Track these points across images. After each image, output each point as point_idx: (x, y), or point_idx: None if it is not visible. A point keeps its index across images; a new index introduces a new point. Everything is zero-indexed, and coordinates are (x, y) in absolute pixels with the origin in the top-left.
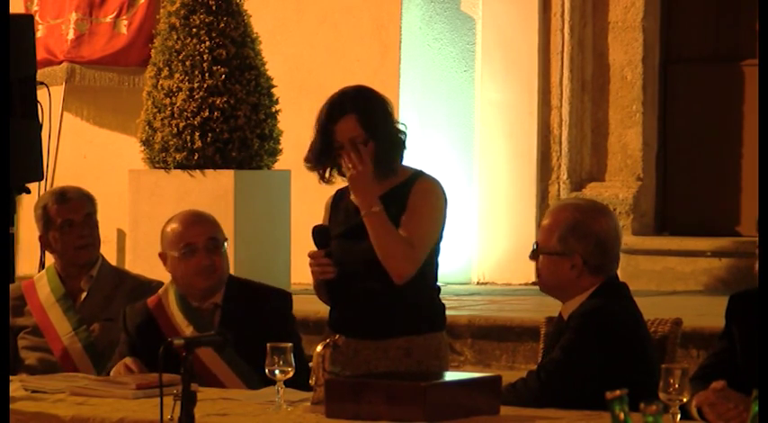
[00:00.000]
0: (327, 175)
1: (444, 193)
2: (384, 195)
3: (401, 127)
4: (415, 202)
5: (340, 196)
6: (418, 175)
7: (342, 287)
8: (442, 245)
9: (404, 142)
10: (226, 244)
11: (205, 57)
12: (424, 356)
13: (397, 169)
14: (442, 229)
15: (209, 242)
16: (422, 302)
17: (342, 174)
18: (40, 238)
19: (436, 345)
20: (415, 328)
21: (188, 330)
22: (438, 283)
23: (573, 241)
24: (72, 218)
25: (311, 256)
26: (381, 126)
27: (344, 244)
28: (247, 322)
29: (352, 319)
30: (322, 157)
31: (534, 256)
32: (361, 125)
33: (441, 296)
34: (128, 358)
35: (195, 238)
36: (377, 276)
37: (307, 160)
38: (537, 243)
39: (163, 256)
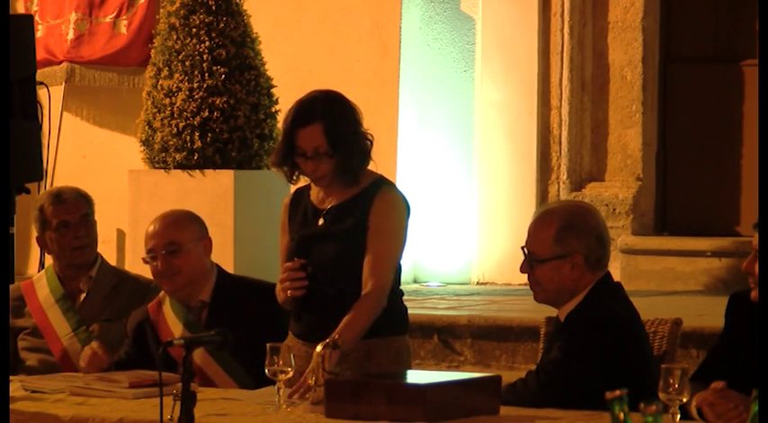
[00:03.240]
0: (294, 176)
1: (406, 203)
2: (342, 204)
3: (368, 136)
4: (377, 222)
5: (299, 196)
6: (379, 186)
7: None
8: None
9: (369, 151)
10: (193, 245)
11: (205, 57)
12: (385, 359)
13: (360, 178)
14: (405, 238)
15: (167, 247)
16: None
17: (304, 175)
18: (38, 238)
19: (396, 348)
20: (374, 331)
21: (178, 329)
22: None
23: (572, 240)
24: (68, 219)
25: (288, 268)
26: (347, 138)
27: (297, 248)
28: (235, 320)
29: (310, 325)
30: (285, 159)
31: (528, 267)
32: (325, 135)
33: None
34: (94, 342)
35: (154, 244)
36: (332, 281)
37: (272, 162)
38: (529, 252)
39: (143, 260)
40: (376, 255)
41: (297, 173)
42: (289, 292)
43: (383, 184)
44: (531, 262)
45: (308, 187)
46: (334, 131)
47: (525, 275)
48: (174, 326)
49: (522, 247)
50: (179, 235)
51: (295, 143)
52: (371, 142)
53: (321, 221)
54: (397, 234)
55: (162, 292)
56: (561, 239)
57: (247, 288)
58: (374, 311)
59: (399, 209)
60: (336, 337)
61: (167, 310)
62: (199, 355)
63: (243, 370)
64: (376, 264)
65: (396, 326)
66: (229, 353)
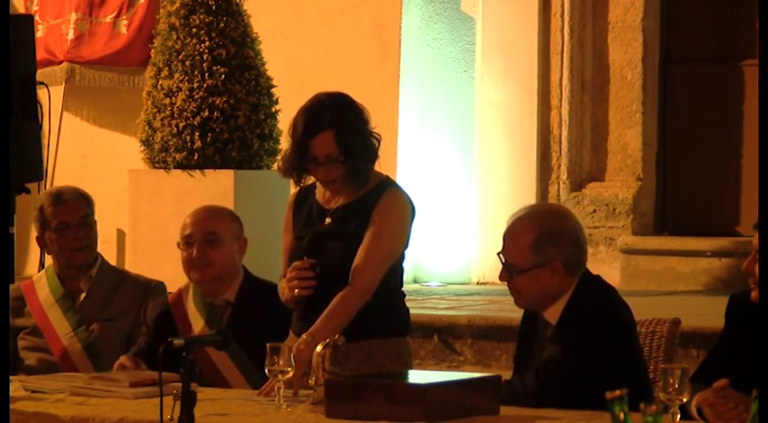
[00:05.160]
0: (303, 179)
1: (410, 204)
2: (349, 205)
3: (376, 135)
4: (376, 220)
5: (304, 195)
6: (384, 188)
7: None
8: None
9: (377, 151)
10: (230, 241)
11: (205, 57)
12: (386, 360)
13: (369, 180)
14: (408, 239)
15: (206, 236)
16: (382, 307)
17: (315, 178)
18: (37, 238)
19: (398, 350)
20: (376, 332)
21: (199, 324)
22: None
23: (550, 248)
24: (67, 220)
25: (297, 267)
26: (357, 142)
27: (304, 247)
28: (258, 321)
29: (312, 325)
30: (298, 168)
31: (507, 276)
32: (337, 142)
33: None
34: (123, 357)
35: (193, 231)
36: (338, 281)
37: (279, 169)
38: (507, 263)
39: (178, 245)
40: (367, 250)
41: (305, 176)
42: (296, 290)
43: (388, 186)
44: (510, 272)
45: (312, 186)
46: (345, 138)
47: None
48: (195, 321)
49: (499, 254)
50: (219, 227)
51: (306, 151)
52: (379, 141)
53: (328, 221)
54: (394, 233)
55: (185, 285)
56: (538, 249)
57: (272, 291)
58: (355, 305)
59: (401, 209)
60: (336, 337)
61: (190, 304)
62: (216, 354)
63: (258, 372)
64: (366, 259)
65: (397, 327)
66: (247, 353)
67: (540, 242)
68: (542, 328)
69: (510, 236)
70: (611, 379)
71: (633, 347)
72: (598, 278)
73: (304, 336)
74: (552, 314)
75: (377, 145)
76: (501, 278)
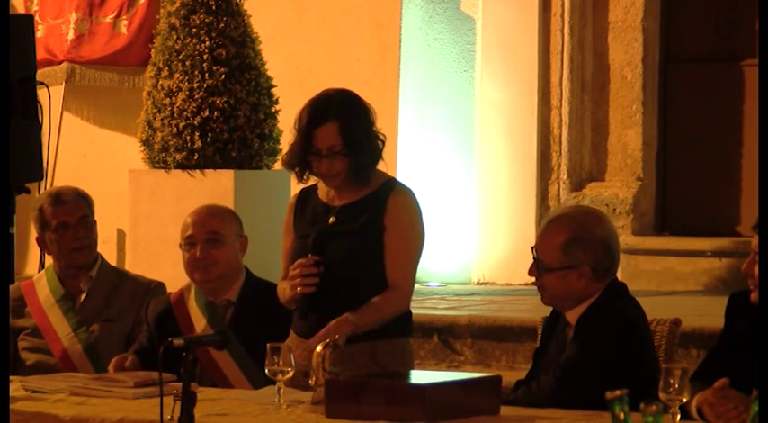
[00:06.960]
0: (305, 176)
1: (418, 204)
2: (355, 203)
3: (381, 136)
4: (396, 224)
5: (306, 196)
6: (391, 186)
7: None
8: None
9: (381, 151)
10: (233, 240)
11: (205, 57)
12: (388, 361)
13: (372, 178)
14: (424, 237)
15: (209, 235)
16: None
17: (315, 174)
18: (37, 239)
19: (400, 350)
20: (379, 333)
21: (201, 324)
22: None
23: (579, 252)
24: (67, 220)
25: (301, 264)
26: (360, 137)
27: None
28: (260, 321)
29: (317, 323)
30: (299, 160)
31: (536, 271)
32: (340, 134)
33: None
34: (116, 358)
35: (196, 231)
36: (342, 279)
37: (284, 162)
38: (537, 259)
39: (180, 246)
40: (399, 261)
41: (307, 173)
42: (299, 288)
43: (396, 185)
44: (539, 268)
45: (314, 187)
46: (349, 131)
47: (527, 275)
48: (197, 321)
49: (532, 249)
50: (222, 226)
51: (310, 143)
52: (383, 142)
53: (332, 219)
54: (415, 235)
55: (186, 284)
56: (568, 251)
57: (274, 291)
58: (398, 305)
59: (414, 209)
60: (336, 337)
61: (192, 303)
62: (219, 353)
63: (260, 372)
64: (401, 269)
65: (400, 327)
66: (249, 353)
67: (570, 244)
68: (561, 327)
69: (544, 233)
70: (626, 381)
71: (650, 353)
72: (623, 285)
73: (346, 314)
74: (573, 315)
75: (381, 146)
76: (530, 273)
